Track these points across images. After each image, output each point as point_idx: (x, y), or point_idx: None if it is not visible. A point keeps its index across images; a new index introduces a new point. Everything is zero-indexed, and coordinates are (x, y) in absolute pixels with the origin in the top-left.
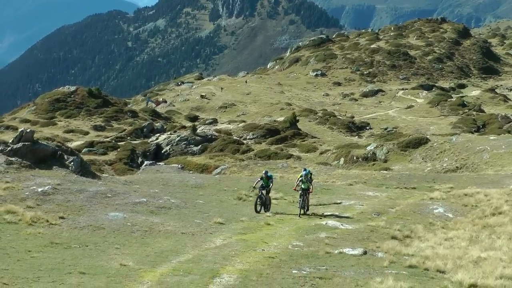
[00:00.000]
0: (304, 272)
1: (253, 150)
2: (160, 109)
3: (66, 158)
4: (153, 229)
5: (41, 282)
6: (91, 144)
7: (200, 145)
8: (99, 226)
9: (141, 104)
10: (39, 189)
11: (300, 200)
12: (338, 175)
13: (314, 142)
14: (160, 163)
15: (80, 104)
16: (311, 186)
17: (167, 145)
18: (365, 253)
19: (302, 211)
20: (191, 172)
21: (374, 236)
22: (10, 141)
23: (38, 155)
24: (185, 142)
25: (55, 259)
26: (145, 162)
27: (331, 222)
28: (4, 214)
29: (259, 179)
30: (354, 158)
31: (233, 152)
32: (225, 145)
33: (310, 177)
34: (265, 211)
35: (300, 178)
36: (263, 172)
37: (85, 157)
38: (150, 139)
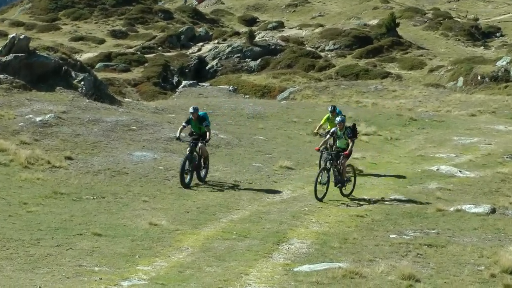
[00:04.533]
0: (407, 237)
1: (334, 66)
2: (204, 8)
3: (74, 75)
4: (195, 175)
5: (42, 246)
6: (108, 57)
7: (260, 59)
8: (120, 170)
9: (177, 2)
10: (38, 119)
11: (322, 171)
12: (455, 101)
13: (421, 55)
14: (203, 83)
15: (93, 1)
16: (350, 144)
17: (213, 58)
18: (493, 211)
19: (325, 189)
20: (247, 96)
21: (506, 188)
22: None
23: (36, 72)
24: (238, 55)
25: (60, 215)
26: (183, 83)
27: (444, 168)
28: None
29: (183, 124)
30: (478, 77)
31: (306, 69)
32: (294, 59)
33: (348, 128)
34: (199, 180)
35: (332, 130)
36: (191, 109)
37: (100, 75)
38: (190, 51)
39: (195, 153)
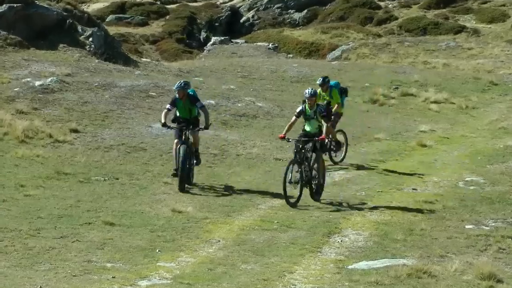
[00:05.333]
0: (486, 228)
1: (396, 18)
2: None
3: (80, 30)
4: (227, 151)
5: (43, 237)
6: (121, 8)
7: (306, 10)
8: (136, 145)
9: None
10: (37, 83)
11: (291, 165)
12: None
13: (503, 5)
14: (237, 40)
15: None
16: (323, 127)
17: (249, 9)
18: None
19: (295, 192)
20: (291, 56)
21: None
22: None
23: (35, 26)
24: (279, 5)
25: (64, 200)
26: (213, 39)
27: None
28: None
29: (168, 107)
30: None
31: (362, 23)
32: (348, 10)
33: (321, 106)
34: (187, 184)
35: (299, 109)
36: (176, 84)
37: (112, 30)
38: (221, 0)
39: (184, 148)
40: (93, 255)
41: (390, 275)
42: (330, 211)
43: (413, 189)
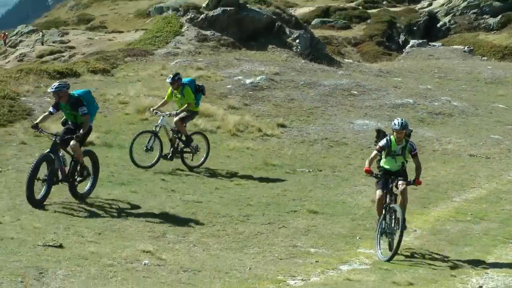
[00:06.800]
0: None
1: None
2: None
3: (288, 33)
4: (423, 147)
5: (251, 223)
6: (325, 12)
7: (500, 16)
8: (338, 140)
9: None
10: (247, 81)
11: (384, 215)
12: None
13: None
14: (435, 43)
15: None
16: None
17: (446, 14)
18: None
19: (383, 249)
20: (485, 58)
21: None
22: (204, 4)
23: (246, 28)
24: (475, 11)
25: (271, 189)
26: (411, 42)
27: None
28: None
29: (50, 110)
30: None
31: None
32: None
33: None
34: (74, 196)
35: (383, 142)
36: (51, 87)
37: (317, 32)
38: (419, 5)
39: (61, 153)
40: (298, 241)
41: None
42: None
43: None
